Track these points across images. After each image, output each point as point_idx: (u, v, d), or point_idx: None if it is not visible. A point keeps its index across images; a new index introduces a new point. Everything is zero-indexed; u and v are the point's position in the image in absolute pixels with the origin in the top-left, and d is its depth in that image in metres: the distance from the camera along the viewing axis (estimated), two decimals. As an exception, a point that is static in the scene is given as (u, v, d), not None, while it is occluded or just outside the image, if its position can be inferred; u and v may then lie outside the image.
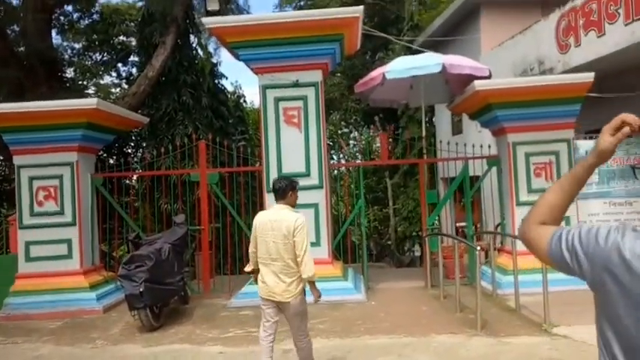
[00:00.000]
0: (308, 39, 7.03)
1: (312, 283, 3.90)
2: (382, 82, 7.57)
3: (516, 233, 7.25)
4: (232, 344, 5.39)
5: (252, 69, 7.48)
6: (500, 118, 7.30)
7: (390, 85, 8.83)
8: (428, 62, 7.46)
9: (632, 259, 1.01)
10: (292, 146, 7.36)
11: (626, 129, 1.20)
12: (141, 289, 5.65)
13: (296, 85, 7.38)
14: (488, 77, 7.43)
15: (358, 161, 9.42)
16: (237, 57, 7.52)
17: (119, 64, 15.67)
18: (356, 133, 23.10)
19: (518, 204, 7.32)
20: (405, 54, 12.41)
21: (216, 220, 8.67)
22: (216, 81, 13.90)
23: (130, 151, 13.84)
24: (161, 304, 6.20)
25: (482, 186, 8.17)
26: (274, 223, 3.82)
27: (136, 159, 12.02)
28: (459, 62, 7.41)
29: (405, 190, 14.00)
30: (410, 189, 13.61)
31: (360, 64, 19.09)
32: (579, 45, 7.90)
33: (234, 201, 8.34)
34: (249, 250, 4.07)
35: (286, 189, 3.96)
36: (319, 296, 3.97)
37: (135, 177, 11.18)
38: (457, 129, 12.79)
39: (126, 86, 14.89)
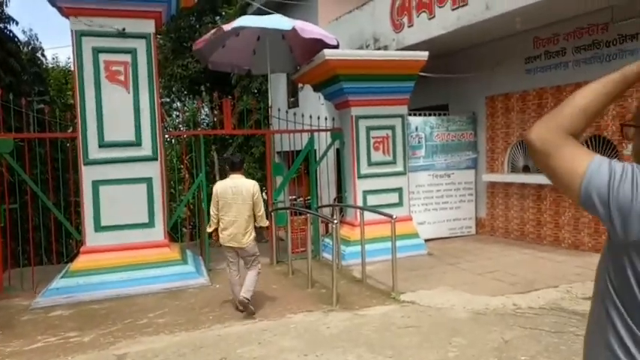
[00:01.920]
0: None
1: (263, 227, 5.50)
2: (228, 34, 6.83)
3: (359, 204, 7.57)
4: (45, 357, 4.21)
5: (60, 8, 5.92)
6: (346, 90, 7.27)
7: (232, 48, 8.12)
8: (278, 21, 7.00)
9: None
10: (118, 110, 6.14)
11: None
12: None
13: (122, 34, 6.11)
14: (336, 47, 7.31)
15: (200, 130, 8.43)
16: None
17: None
18: (178, 103, 21.44)
19: (360, 177, 7.48)
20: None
21: (11, 199, 6.81)
22: (2, 25, 11.02)
23: None
24: None
25: (313, 159, 8.05)
26: (234, 189, 4.99)
27: None
28: (309, 27, 7.10)
29: (240, 163, 13.42)
30: (246, 163, 13.08)
31: (185, 26, 17.58)
32: (412, 25, 8.36)
33: (38, 177, 6.65)
34: (211, 213, 5.13)
35: (242, 161, 5.33)
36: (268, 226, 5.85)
37: None
38: (293, 102, 12.70)
39: None
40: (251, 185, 5.04)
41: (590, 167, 1.01)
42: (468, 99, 8.82)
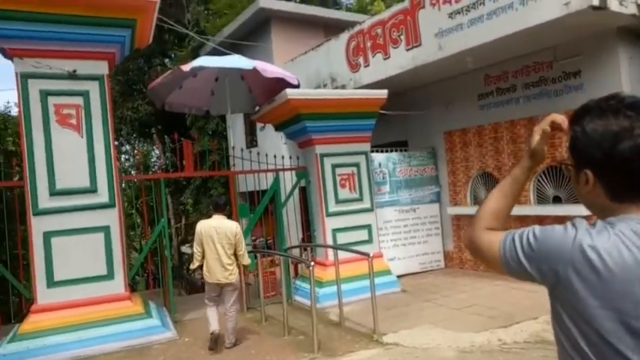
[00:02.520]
0: (89, 19, 5.60)
1: (245, 266, 5.72)
2: (185, 74, 6.66)
3: (329, 243, 7.38)
4: None
5: (3, 49, 5.56)
6: (309, 129, 7.24)
7: (190, 88, 7.95)
8: (238, 61, 6.94)
9: (594, 258, 1.00)
10: (70, 155, 5.75)
11: (546, 128, 1.23)
12: None
13: (73, 76, 5.80)
14: (297, 86, 7.31)
15: (159, 172, 8.03)
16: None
17: None
18: (127, 146, 20.70)
19: (328, 214, 7.37)
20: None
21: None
22: None
23: None
24: None
25: (279, 199, 7.87)
26: (218, 229, 5.32)
27: None
28: (270, 67, 7.08)
29: (199, 206, 12.96)
30: (203, 206, 12.65)
31: (134, 68, 17.21)
32: (368, 65, 8.56)
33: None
34: (195, 251, 5.43)
35: (226, 203, 5.73)
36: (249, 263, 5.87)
37: None
38: (252, 142, 12.55)
39: None
40: (234, 226, 5.43)
41: (501, 242, 1.16)
42: (426, 134, 9.04)
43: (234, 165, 7.79)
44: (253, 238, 10.80)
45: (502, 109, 7.73)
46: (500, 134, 7.79)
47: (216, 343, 5.24)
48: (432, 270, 8.58)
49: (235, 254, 5.36)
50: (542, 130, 1.23)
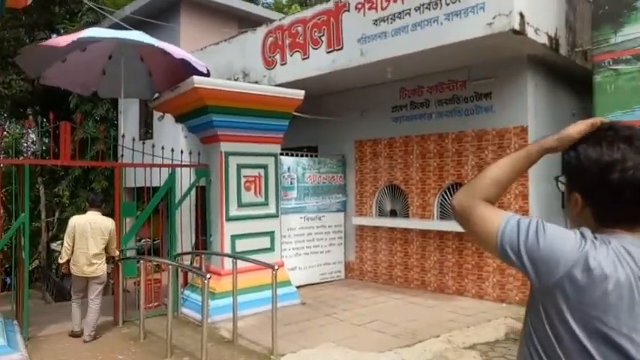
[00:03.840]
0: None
1: (113, 257, 5.84)
2: (71, 46, 5.59)
3: (226, 250, 6.68)
4: None
5: None
6: (215, 123, 6.54)
7: (76, 63, 6.77)
8: (139, 36, 6.01)
9: (596, 270, 1.02)
10: None
11: (597, 120, 1.21)
12: None
13: None
14: (207, 75, 6.57)
15: (24, 158, 6.62)
16: None
17: None
18: (-4, 126, 17.88)
19: (229, 219, 6.70)
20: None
21: None
22: None
23: None
24: None
25: (173, 198, 7.03)
26: (93, 224, 5.47)
27: None
28: (177, 50, 6.27)
29: (76, 200, 11.37)
30: (81, 200, 11.11)
31: (11, 38, 14.90)
32: (285, 63, 8.09)
33: None
34: (66, 245, 5.47)
35: (102, 200, 6.02)
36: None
37: None
38: (147, 133, 11.36)
39: None
40: (109, 222, 5.62)
41: (501, 225, 1.13)
42: (337, 142, 8.80)
43: (122, 156, 6.76)
44: (138, 238, 9.68)
45: (414, 123, 7.73)
46: (410, 148, 7.78)
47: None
48: (332, 281, 8.29)
49: (106, 249, 5.56)
50: (592, 123, 1.19)
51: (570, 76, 7.28)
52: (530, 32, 5.59)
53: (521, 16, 5.46)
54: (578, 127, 1.19)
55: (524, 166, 1.25)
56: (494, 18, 5.51)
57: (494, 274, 6.62)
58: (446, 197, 7.39)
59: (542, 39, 5.90)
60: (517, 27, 5.35)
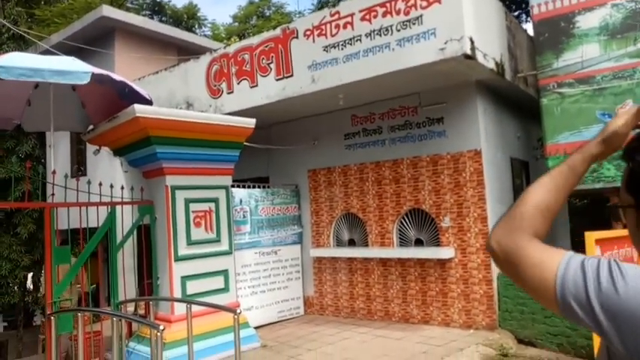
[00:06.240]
0: None
1: None
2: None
3: (176, 293, 6.09)
4: None
5: None
6: (160, 155, 6.04)
7: (-4, 92, 6.06)
8: (69, 66, 5.39)
9: None
10: None
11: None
12: None
13: None
14: (150, 103, 6.10)
15: None
16: None
17: None
18: None
19: (178, 259, 6.14)
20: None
21: None
22: None
23: None
24: None
25: (114, 239, 6.38)
26: None
27: None
28: (116, 77, 5.76)
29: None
30: (4, 246, 9.93)
31: None
32: (232, 92, 7.77)
33: None
34: None
35: None
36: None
37: None
38: (79, 170, 10.47)
39: None
40: None
41: (560, 270, 0.87)
42: (290, 171, 8.51)
43: (52, 195, 6.03)
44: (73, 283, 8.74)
45: (368, 150, 7.63)
46: (365, 175, 7.64)
47: None
48: (291, 318, 7.83)
49: None
50: (638, 110, 1.00)
51: (514, 101, 7.54)
52: (479, 57, 5.69)
53: (472, 41, 5.55)
54: (621, 120, 1.01)
55: (570, 183, 1.02)
56: (445, 43, 5.56)
57: (459, 299, 6.51)
58: (404, 224, 7.27)
59: (490, 64, 6.04)
60: (468, 51, 5.42)
